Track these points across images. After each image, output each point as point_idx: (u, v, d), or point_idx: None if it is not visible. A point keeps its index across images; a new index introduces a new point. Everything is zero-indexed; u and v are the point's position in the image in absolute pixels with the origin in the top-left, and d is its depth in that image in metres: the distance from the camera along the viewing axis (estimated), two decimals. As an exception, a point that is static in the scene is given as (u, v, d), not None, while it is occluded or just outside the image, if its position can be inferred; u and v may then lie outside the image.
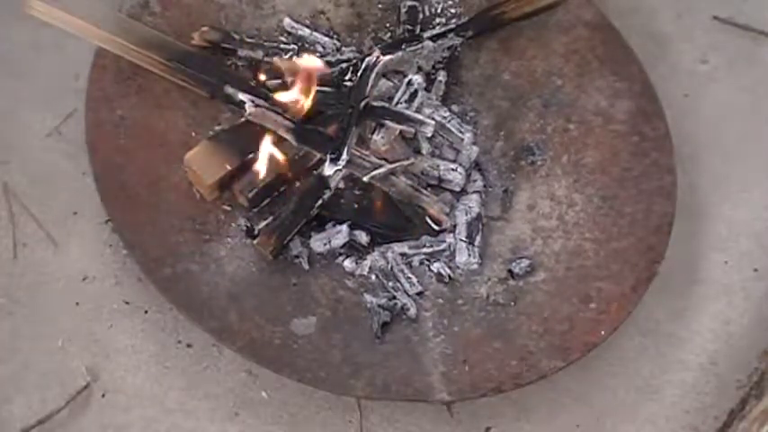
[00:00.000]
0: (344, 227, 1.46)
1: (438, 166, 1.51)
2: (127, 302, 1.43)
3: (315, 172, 1.46)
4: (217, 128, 1.53)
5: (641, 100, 1.56)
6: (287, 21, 1.63)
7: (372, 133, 1.46)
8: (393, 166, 1.45)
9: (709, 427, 1.40)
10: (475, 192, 1.53)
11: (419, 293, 1.43)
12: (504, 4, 1.61)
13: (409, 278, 1.44)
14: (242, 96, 1.47)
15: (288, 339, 1.34)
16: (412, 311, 1.40)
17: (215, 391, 1.38)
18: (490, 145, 1.59)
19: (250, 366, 1.38)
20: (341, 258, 1.46)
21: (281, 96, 1.47)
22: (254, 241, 1.42)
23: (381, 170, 1.45)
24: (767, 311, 1.50)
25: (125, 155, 1.44)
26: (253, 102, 1.46)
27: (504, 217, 1.53)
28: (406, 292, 1.42)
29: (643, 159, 1.51)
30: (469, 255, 1.47)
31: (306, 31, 1.63)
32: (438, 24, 1.65)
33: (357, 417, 1.37)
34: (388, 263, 1.45)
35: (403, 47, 1.56)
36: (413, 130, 1.46)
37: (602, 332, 1.35)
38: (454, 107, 1.61)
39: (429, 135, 1.47)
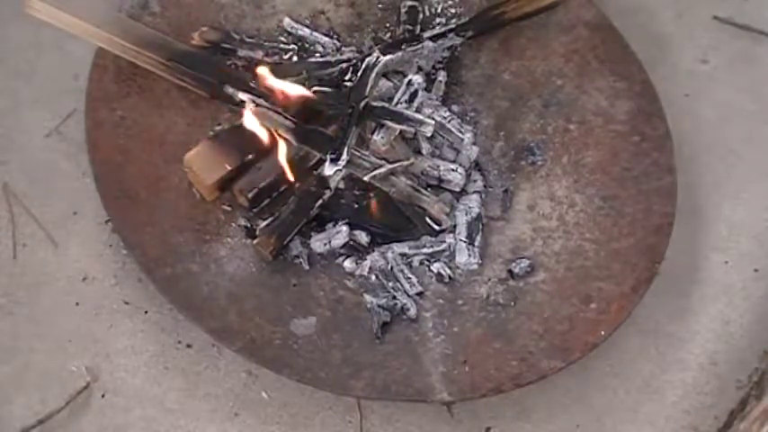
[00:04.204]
0: (344, 227, 1.46)
1: (438, 166, 1.51)
2: (127, 302, 1.43)
3: (315, 172, 1.46)
4: (217, 128, 1.53)
5: (641, 100, 1.56)
6: (287, 21, 1.63)
7: (372, 133, 1.46)
8: (393, 166, 1.45)
9: (709, 427, 1.40)
10: (475, 192, 1.53)
11: (419, 293, 1.43)
12: (504, 4, 1.61)
13: (409, 278, 1.44)
14: (242, 96, 1.47)
15: (288, 339, 1.34)
16: (412, 311, 1.40)
17: (215, 391, 1.38)
18: (490, 145, 1.59)
19: (250, 366, 1.38)
20: (341, 258, 1.46)
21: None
22: (254, 241, 1.42)
23: (381, 170, 1.45)
24: (767, 311, 1.50)
25: (125, 155, 1.44)
26: (253, 102, 1.46)
27: (504, 217, 1.53)
28: (406, 292, 1.42)
29: (643, 159, 1.51)
30: (469, 255, 1.47)
31: (306, 31, 1.63)
32: (438, 24, 1.65)
33: (357, 417, 1.37)
34: (388, 263, 1.45)
35: (403, 47, 1.56)
36: (413, 130, 1.46)
37: (602, 332, 1.35)
38: (454, 107, 1.61)
39: (429, 135, 1.47)
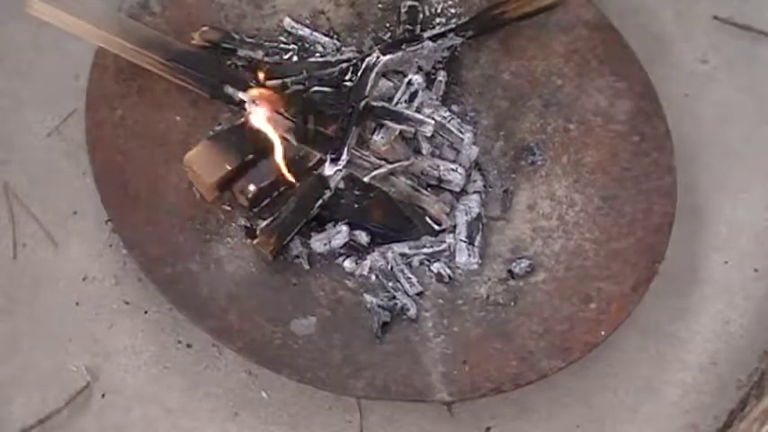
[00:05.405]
0: (344, 227, 1.46)
1: (438, 166, 1.51)
2: (127, 302, 1.43)
3: (315, 172, 1.46)
4: (217, 128, 1.53)
5: (641, 100, 1.56)
6: (287, 21, 1.63)
7: (372, 133, 1.46)
8: (393, 166, 1.45)
9: (709, 426, 1.40)
10: (475, 192, 1.53)
11: (419, 293, 1.43)
12: (504, 4, 1.60)
13: (409, 278, 1.44)
14: (242, 96, 1.47)
15: (288, 339, 1.34)
16: (412, 311, 1.40)
17: (215, 391, 1.38)
18: (490, 145, 1.59)
19: (250, 366, 1.38)
20: (341, 258, 1.46)
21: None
22: (254, 241, 1.42)
23: (381, 170, 1.45)
24: (767, 311, 1.50)
25: (125, 155, 1.44)
26: (253, 101, 1.46)
27: (504, 217, 1.53)
28: (406, 292, 1.42)
29: (643, 159, 1.51)
30: (469, 255, 1.47)
31: (306, 31, 1.63)
32: (438, 24, 1.65)
33: (357, 417, 1.37)
34: (388, 263, 1.45)
35: (403, 47, 1.56)
36: (413, 130, 1.46)
37: (602, 332, 1.35)
38: (454, 107, 1.61)
39: (429, 135, 1.47)
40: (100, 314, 1.42)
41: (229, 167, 1.44)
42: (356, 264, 1.45)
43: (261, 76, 1.53)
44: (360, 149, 1.46)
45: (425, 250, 1.47)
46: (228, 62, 1.57)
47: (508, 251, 1.49)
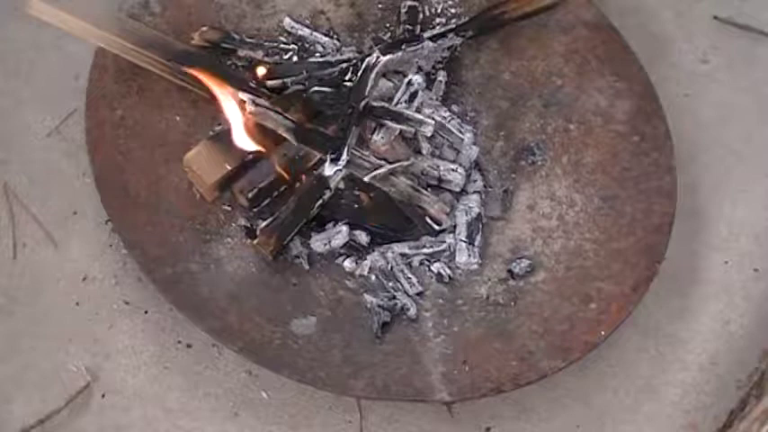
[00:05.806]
0: (344, 227, 1.46)
1: (438, 166, 1.51)
2: (127, 302, 1.43)
3: (315, 172, 1.46)
4: (217, 128, 1.53)
5: (641, 100, 1.56)
6: (287, 21, 1.63)
7: (372, 133, 1.46)
8: (393, 166, 1.45)
9: (709, 426, 1.40)
10: (475, 192, 1.53)
11: (419, 293, 1.43)
12: (504, 4, 1.60)
13: (409, 278, 1.44)
14: (242, 96, 1.47)
15: (288, 339, 1.34)
16: (412, 311, 1.40)
17: (215, 391, 1.38)
18: (490, 145, 1.59)
19: (250, 366, 1.38)
20: (341, 258, 1.46)
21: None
22: (254, 241, 1.42)
23: (381, 170, 1.45)
24: (767, 311, 1.50)
25: (125, 155, 1.44)
26: (253, 102, 1.46)
27: (504, 217, 1.53)
28: (406, 292, 1.42)
29: (643, 159, 1.51)
30: (469, 255, 1.47)
31: (306, 31, 1.63)
32: (438, 24, 1.65)
33: (357, 417, 1.37)
34: (388, 263, 1.45)
35: (403, 47, 1.56)
36: (413, 130, 1.46)
37: (602, 332, 1.35)
38: (454, 107, 1.61)
39: (429, 135, 1.47)
40: (100, 314, 1.42)
41: (229, 167, 1.44)
42: (356, 264, 1.45)
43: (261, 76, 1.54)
44: (360, 149, 1.46)
45: (425, 250, 1.47)
46: (228, 62, 1.57)
47: (508, 251, 1.49)
